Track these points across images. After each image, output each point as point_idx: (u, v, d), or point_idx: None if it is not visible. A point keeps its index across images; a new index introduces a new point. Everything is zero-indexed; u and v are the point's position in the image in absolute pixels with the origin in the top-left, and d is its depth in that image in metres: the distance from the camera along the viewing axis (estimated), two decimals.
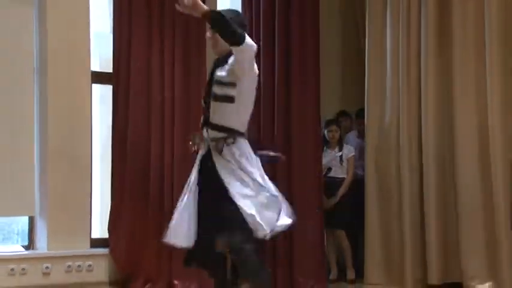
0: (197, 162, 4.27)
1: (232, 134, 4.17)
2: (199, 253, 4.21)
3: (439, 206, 6.32)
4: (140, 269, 5.93)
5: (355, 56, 7.43)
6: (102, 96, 6.45)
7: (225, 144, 4.14)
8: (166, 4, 6.10)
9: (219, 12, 4.11)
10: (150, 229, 5.94)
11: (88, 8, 5.98)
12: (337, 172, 6.89)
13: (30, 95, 5.83)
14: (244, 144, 4.19)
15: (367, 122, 6.85)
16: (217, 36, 4.18)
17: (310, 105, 6.62)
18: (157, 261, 5.95)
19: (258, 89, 6.34)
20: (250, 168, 4.13)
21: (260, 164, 4.21)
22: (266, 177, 4.21)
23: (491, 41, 6.05)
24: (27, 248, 5.89)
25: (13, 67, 5.77)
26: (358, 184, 6.85)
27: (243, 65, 4.12)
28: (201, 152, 4.26)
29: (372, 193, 6.71)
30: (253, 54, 4.14)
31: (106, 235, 6.01)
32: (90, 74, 5.99)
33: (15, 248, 6.00)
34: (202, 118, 4.31)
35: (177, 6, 4.10)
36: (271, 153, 4.60)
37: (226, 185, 4.07)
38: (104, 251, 5.93)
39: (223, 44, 4.17)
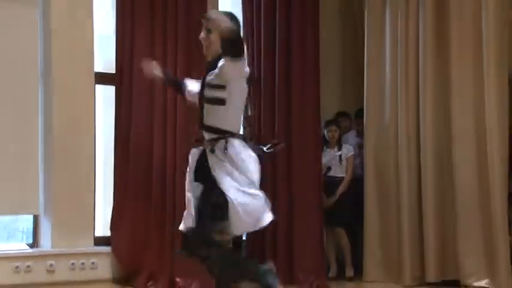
0: (194, 163, 4.31)
1: (225, 135, 4.20)
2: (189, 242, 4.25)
3: (437, 204, 6.35)
4: (143, 267, 5.95)
5: (354, 56, 7.43)
6: (105, 97, 6.49)
7: (218, 145, 4.18)
8: (168, 6, 6.13)
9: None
10: (152, 228, 6.00)
11: (92, 10, 6.00)
12: (337, 171, 6.90)
13: (35, 96, 5.84)
14: (237, 145, 4.20)
15: (366, 122, 6.87)
16: (212, 37, 4.21)
17: (310, 105, 6.63)
18: (159, 259, 5.98)
19: (258, 89, 6.53)
20: (243, 167, 4.15)
21: (257, 166, 4.21)
22: (258, 179, 4.20)
23: (488, 41, 6.09)
24: (31, 246, 5.92)
25: (18, 68, 5.77)
26: (357, 183, 6.88)
27: (227, 74, 4.12)
28: (197, 152, 4.31)
29: (371, 192, 6.74)
30: (240, 74, 4.15)
31: (109, 233, 6.04)
32: (93, 75, 6.00)
33: (19, 246, 6.05)
34: (197, 120, 4.36)
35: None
36: (273, 140, 4.67)
37: (218, 179, 4.12)
38: (108, 249, 5.96)
39: (216, 46, 4.20)
